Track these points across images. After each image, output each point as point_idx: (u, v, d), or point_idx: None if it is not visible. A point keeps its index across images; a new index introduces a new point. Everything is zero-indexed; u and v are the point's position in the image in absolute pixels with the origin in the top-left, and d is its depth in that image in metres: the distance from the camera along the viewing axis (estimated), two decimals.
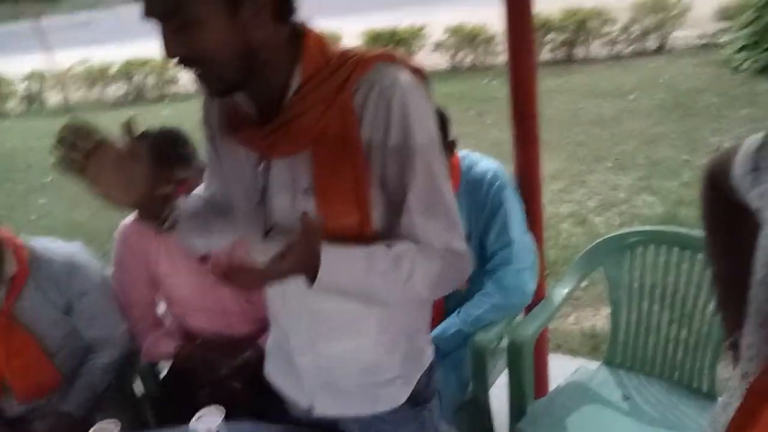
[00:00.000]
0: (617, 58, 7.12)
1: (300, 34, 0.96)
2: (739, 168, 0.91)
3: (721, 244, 1.06)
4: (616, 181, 4.04)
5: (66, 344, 1.61)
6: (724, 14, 6.83)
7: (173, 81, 8.09)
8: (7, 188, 5.44)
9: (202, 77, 0.90)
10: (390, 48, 1.01)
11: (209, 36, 0.86)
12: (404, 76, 0.94)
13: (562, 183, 4.11)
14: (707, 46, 6.76)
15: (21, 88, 8.57)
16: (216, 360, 1.60)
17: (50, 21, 13.05)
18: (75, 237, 1.58)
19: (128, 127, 0.93)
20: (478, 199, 1.69)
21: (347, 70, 0.94)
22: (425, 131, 0.95)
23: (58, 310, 1.58)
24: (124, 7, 19.03)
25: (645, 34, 7.08)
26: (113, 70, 8.26)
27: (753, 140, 0.89)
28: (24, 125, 7.80)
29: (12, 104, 8.62)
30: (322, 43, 0.97)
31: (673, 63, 6.50)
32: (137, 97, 8.25)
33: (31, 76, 8.50)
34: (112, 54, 8.75)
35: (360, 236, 0.96)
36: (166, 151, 1.51)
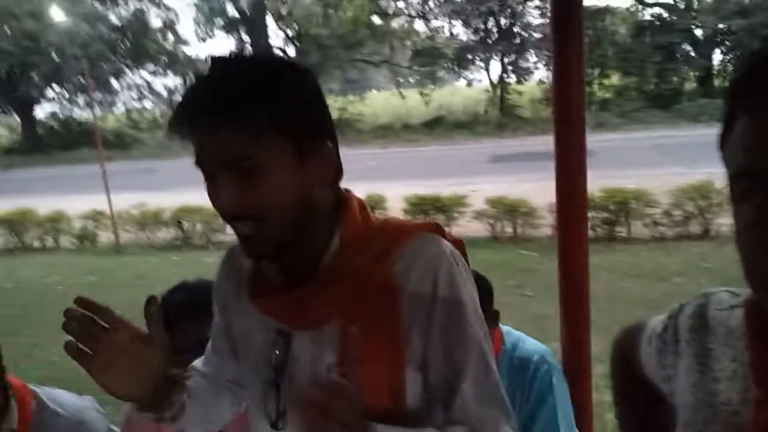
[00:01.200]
0: (660, 239, 7.08)
1: (342, 199, 0.92)
2: (645, 348, 0.90)
3: (635, 418, 1.01)
4: None
5: None
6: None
7: (220, 230, 8.35)
8: (40, 326, 5.43)
9: (252, 235, 0.83)
10: (430, 220, 0.98)
11: (273, 188, 0.81)
12: (448, 247, 0.89)
13: (607, 367, 3.87)
14: None
15: (77, 226, 8.96)
16: None
17: (116, 166, 13.99)
18: (95, 384, 1.49)
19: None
20: (522, 383, 1.57)
21: (388, 238, 0.89)
22: (475, 305, 0.89)
23: None
24: (186, 159, 20.42)
25: (687, 218, 7.09)
26: (165, 215, 8.61)
27: (657, 322, 0.87)
28: (71, 261, 8.03)
29: (65, 241, 8.96)
30: (363, 209, 0.93)
31: (718, 249, 6.40)
32: (185, 243, 8.49)
33: (89, 216, 8.93)
34: (168, 200, 9.19)
35: (390, 421, 0.86)
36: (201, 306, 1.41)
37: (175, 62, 28.54)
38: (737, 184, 0.56)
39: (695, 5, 19.58)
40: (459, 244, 0.94)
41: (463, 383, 0.87)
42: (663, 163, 10.47)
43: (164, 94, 29.86)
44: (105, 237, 8.89)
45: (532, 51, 20.75)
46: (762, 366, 0.63)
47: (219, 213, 0.85)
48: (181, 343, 1.38)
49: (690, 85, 20.19)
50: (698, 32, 19.61)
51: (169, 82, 29.46)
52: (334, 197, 0.91)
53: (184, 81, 28.86)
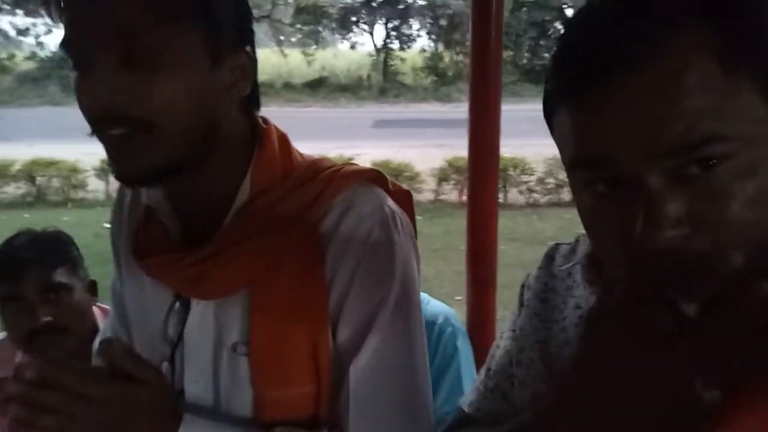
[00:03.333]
0: (534, 205, 7.43)
1: (258, 130, 0.74)
2: None
3: None
4: None
5: None
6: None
7: (81, 186, 7.60)
8: None
9: (132, 144, 0.63)
10: (370, 167, 0.78)
11: (173, 82, 0.62)
12: (388, 204, 0.74)
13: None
14: None
15: None
16: None
17: None
18: None
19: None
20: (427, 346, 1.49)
21: (317, 187, 0.72)
22: (405, 281, 0.72)
23: None
24: (37, 107, 18.50)
25: (559, 186, 7.49)
26: (15, 168, 7.69)
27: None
28: None
29: None
30: (285, 145, 0.75)
31: None
32: (38, 199, 7.65)
33: None
34: (18, 152, 8.21)
35: (312, 409, 0.72)
36: (46, 253, 1.26)
37: (25, 1, 25.57)
38: (574, 173, 0.51)
39: None
40: (405, 195, 0.79)
41: (352, 376, 0.71)
42: (535, 134, 10.98)
43: (12, 33, 26.72)
44: None
45: (416, 18, 20.87)
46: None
47: (87, 116, 0.63)
48: (26, 292, 1.21)
49: None
50: (569, 12, 20.76)
51: (18, 22, 26.40)
52: (248, 125, 0.73)
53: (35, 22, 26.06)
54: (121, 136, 0.64)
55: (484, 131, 1.61)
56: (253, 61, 0.70)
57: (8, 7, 25.61)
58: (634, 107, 0.45)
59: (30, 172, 7.64)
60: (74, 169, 7.62)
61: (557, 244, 0.73)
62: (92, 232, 4.80)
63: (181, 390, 0.75)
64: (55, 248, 1.29)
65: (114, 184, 5.17)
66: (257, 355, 0.70)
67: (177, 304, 0.75)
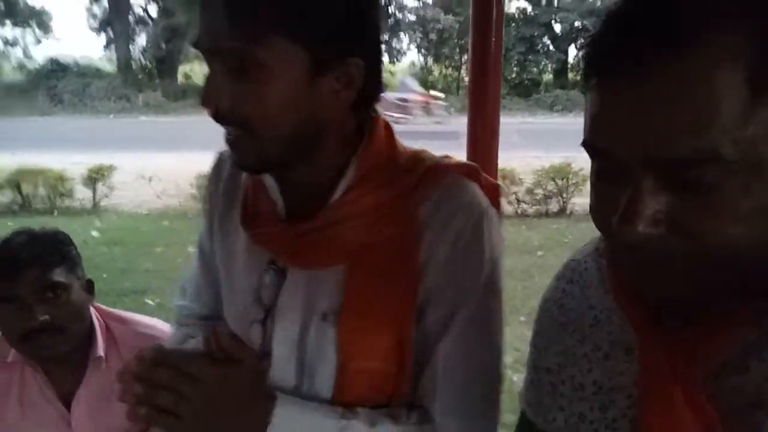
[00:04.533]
0: (523, 216, 7.46)
1: (368, 124, 0.79)
2: None
3: None
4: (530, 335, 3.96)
5: None
6: None
7: (67, 194, 7.53)
8: None
9: (240, 142, 0.71)
10: (467, 162, 0.83)
11: (274, 92, 0.67)
12: (483, 200, 0.78)
13: None
14: None
15: None
16: None
17: None
18: None
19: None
20: None
21: (417, 177, 0.77)
22: (494, 274, 0.77)
23: None
24: (24, 117, 18.38)
25: (547, 197, 7.52)
26: (1, 177, 7.61)
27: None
28: None
29: None
30: (390, 137, 0.80)
31: (574, 225, 6.87)
32: (23, 208, 7.57)
33: None
34: (2, 161, 8.14)
35: (392, 388, 0.76)
36: (44, 252, 1.23)
37: (14, 12, 25.49)
38: (592, 159, 0.52)
39: (556, 2, 20.92)
40: (494, 189, 0.82)
41: (439, 359, 0.76)
42: (523, 147, 11.06)
43: (0, 46, 26.60)
44: None
45: (405, 32, 21.04)
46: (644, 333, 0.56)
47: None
48: (23, 291, 1.18)
49: (547, 77, 21.64)
50: (557, 27, 21.01)
51: (7, 33, 26.28)
52: (356, 120, 0.78)
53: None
54: (231, 133, 0.71)
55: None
56: (367, 66, 0.72)
57: None
58: (644, 105, 0.45)
59: (16, 180, 7.56)
60: (61, 178, 7.54)
61: (578, 250, 0.73)
62: (81, 239, 4.74)
63: (270, 351, 0.79)
64: (54, 247, 1.26)
65: (100, 192, 5.11)
66: (345, 326, 0.74)
67: (272, 271, 0.80)
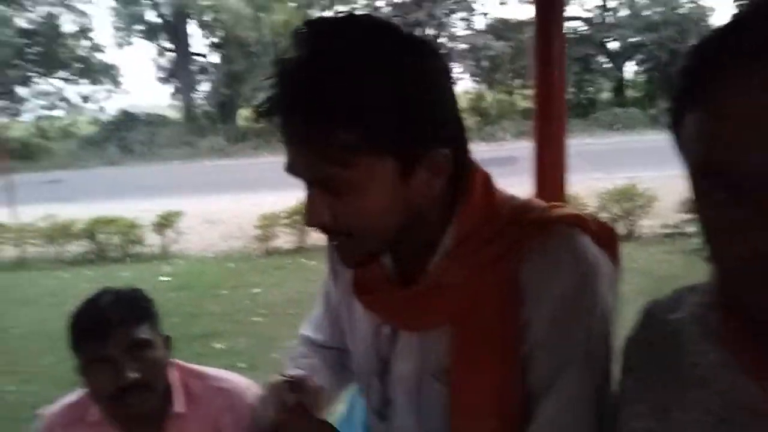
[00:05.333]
0: None
1: (463, 182, 0.77)
2: None
3: None
4: None
5: None
6: (688, 206, 7.11)
7: (138, 241, 7.85)
8: None
9: (344, 246, 0.76)
10: (572, 212, 0.79)
11: (368, 205, 0.70)
12: (590, 252, 0.74)
13: None
14: (672, 236, 6.92)
15: None
16: None
17: (22, 177, 13.06)
18: None
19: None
20: None
21: (518, 233, 0.75)
22: (601, 333, 0.74)
23: None
24: (97, 169, 19.43)
25: (613, 220, 7.27)
26: (77, 227, 8.02)
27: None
28: None
29: None
30: (488, 193, 0.79)
31: (642, 249, 6.59)
32: (99, 256, 7.93)
33: None
34: (79, 212, 8.57)
35: None
36: (130, 310, 1.26)
37: (89, 69, 27.22)
38: (697, 182, 0.50)
39: (610, 20, 20.57)
40: (608, 234, 0.78)
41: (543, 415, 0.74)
42: (584, 169, 10.79)
43: (78, 101, 28.41)
44: (8, 252, 8.15)
45: (458, 61, 21.12)
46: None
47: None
48: (113, 350, 1.20)
49: (603, 96, 21.18)
50: (612, 45, 20.61)
51: (84, 90, 28.06)
52: (452, 191, 0.77)
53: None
54: (334, 240, 0.77)
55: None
56: (454, 150, 0.73)
57: (75, 77, 27.37)
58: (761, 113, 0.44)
59: (91, 230, 7.95)
60: (132, 226, 7.88)
61: (654, 300, 0.70)
62: (150, 285, 4.90)
63: (389, 400, 0.85)
64: (137, 305, 1.29)
65: (168, 237, 5.28)
66: (456, 386, 0.76)
67: (387, 329, 0.84)
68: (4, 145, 10.35)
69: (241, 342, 4.51)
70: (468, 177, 0.78)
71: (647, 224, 7.33)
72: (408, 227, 0.75)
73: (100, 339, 1.20)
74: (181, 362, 1.39)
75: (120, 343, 1.20)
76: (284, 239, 7.50)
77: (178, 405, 1.31)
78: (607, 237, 0.77)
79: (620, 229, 7.30)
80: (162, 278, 6.46)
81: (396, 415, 0.84)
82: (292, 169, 0.71)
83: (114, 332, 1.21)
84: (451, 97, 0.74)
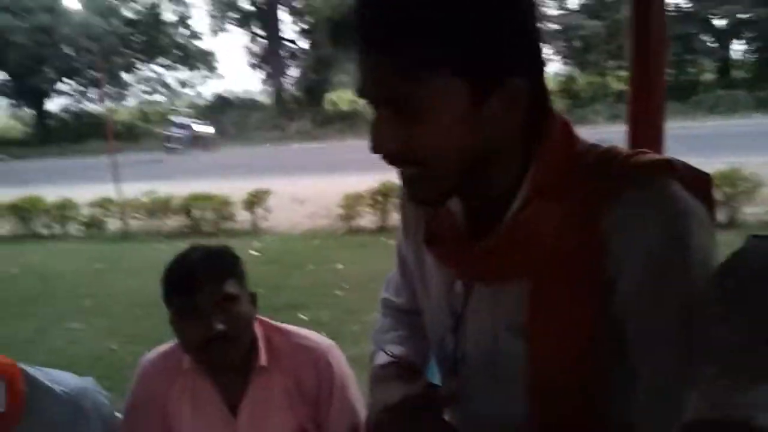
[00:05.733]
0: None
1: (541, 123, 0.73)
2: None
3: None
4: None
5: None
6: None
7: (230, 217, 8.22)
8: (45, 312, 5.29)
9: (413, 180, 0.72)
10: (663, 157, 0.73)
11: (439, 130, 0.67)
12: (683, 200, 0.67)
13: None
14: None
15: (85, 213, 8.86)
16: None
17: (126, 157, 13.95)
18: (98, 368, 1.35)
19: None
20: None
21: (600, 184, 0.69)
22: (697, 287, 0.66)
23: None
24: (194, 150, 20.41)
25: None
26: (175, 203, 8.50)
27: None
28: (80, 248, 7.93)
29: (73, 228, 8.87)
30: (569, 137, 0.74)
31: (744, 236, 6.17)
32: (193, 230, 8.38)
33: (96, 203, 8.82)
34: (176, 189, 9.09)
35: (577, 399, 0.73)
36: (218, 266, 1.32)
37: (187, 56, 28.59)
38: None
39: None
40: (702, 181, 0.71)
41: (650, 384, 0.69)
42: (681, 153, 10.18)
43: (177, 87, 29.95)
44: (114, 225, 8.78)
45: (548, 43, 20.48)
46: None
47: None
48: (201, 302, 1.26)
49: (707, 76, 19.86)
50: (717, 22, 19.23)
51: (182, 76, 29.55)
52: (528, 132, 0.73)
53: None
54: (403, 173, 0.73)
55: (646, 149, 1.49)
56: (533, 81, 0.69)
57: (174, 64, 28.86)
58: None
59: (187, 206, 8.41)
60: (225, 203, 8.26)
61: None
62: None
63: (462, 357, 0.82)
64: (225, 261, 1.33)
65: (258, 215, 5.49)
66: (534, 340, 0.73)
67: (459, 284, 0.80)
68: (111, 128, 11.06)
69: (324, 314, 4.63)
70: (546, 119, 0.73)
71: (751, 211, 6.85)
72: (480, 168, 0.71)
73: (189, 292, 1.26)
74: (265, 319, 1.44)
75: (208, 297, 1.26)
76: (367, 219, 7.62)
77: (262, 359, 1.36)
78: (701, 183, 0.70)
79: (721, 215, 6.87)
80: (252, 252, 6.74)
81: (469, 372, 0.81)
82: (364, 88, 0.69)
83: (202, 286, 1.26)
84: (534, 27, 0.70)
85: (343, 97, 26.72)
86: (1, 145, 25.42)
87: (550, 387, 0.73)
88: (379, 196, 7.36)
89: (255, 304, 1.39)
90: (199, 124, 21.17)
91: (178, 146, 19.47)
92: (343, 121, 22.72)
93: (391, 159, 0.70)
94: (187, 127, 20.48)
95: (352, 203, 7.61)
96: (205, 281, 1.27)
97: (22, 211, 8.86)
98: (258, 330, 1.39)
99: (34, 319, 5.04)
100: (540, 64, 0.72)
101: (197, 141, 19.94)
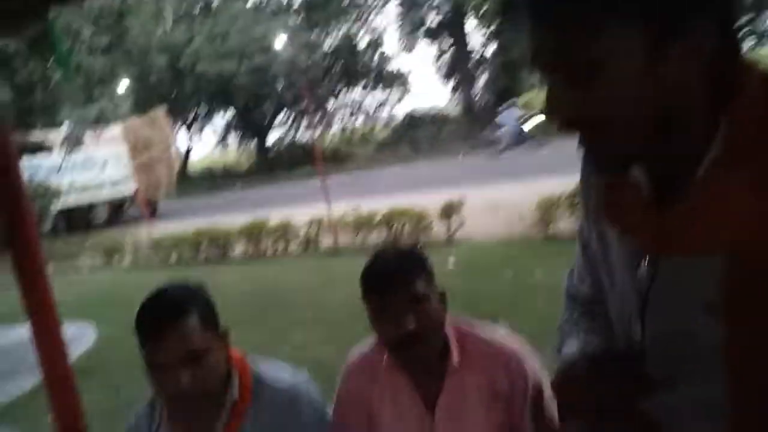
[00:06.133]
0: None
1: (732, 72, 0.67)
2: None
3: None
4: None
5: None
6: None
7: (427, 229, 8.51)
8: (273, 322, 5.99)
9: (594, 145, 0.69)
10: None
11: (621, 88, 0.64)
12: None
13: None
14: None
15: (301, 233, 9.82)
16: None
17: (333, 179, 15.15)
18: (320, 371, 1.54)
19: None
20: None
21: None
22: None
23: None
24: (391, 167, 21.42)
25: None
26: (377, 218, 9.04)
27: None
28: (299, 265, 8.82)
29: (293, 247, 9.88)
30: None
31: None
32: (394, 243, 8.81)
33: (310, 223, 9.73)
34: (377, 206, 9.65)
35: None
36: (409, 266, 1.39)
37: (381, 78, 30.21)
38: None
39: None
40: None
41: None
42: None
43: (372, 109, 31.78)
44: (326, 242, 9.60)
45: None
46: None
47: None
48: (394, 302, 1.34)
49: None
50: None
51: (377, 97, 31.29)
52: (717, 86, 0.67)
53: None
54: (583, 138, 0.70)
55: None
56: (712, 35, 0.63)
57: (369, 88, 30.73)
58: None
59: (387, 220, 8.88)
60: (421, 215, 8.57)
61: None
62: (438, 270, 5.29)
63: (650, 341, 0.76)
64: (415, 262, 1.39)
65: (453, 225, 5.60)
66: (732, 317, 0.65)
67: (646, 260, 0.74)
68: (320, 154, 12.15)
69: (521, 323, 4.59)
70: (738, 67, 0.66)
71: None
72: (664, 128, 0.66)
73: (382, 291, 1.35)
74: (456, 318, 1.49)
75: (399, 296, 1.33)
76: (565, 224, 7.35)
77: (455, 359, 1.41)
78: None
79: None
80: (449, 260, 6.90)
81: (658, 357, 0.74)
82: (539, 56, 0.66)
83: (393, 286, 1.34)
84: None
85: (536, 97, 26.03)
86: (233, 176, 29.29)
87: (751, 370, 0.65)
88: (577, 199, 7.06)
89: (445, 304, 1.43)
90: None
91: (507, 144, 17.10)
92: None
93: (570, 123, 0.67)
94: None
95: (547, 208, 7.42)
96: (395, 282, 1.34)
97: (251, 234, 10.12)
98: (450, 331, 1.44)
99: (264, 329, 5.73)
100: (728, 9, 0.66)
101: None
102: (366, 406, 1.51)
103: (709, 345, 0.67)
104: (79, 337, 6.55)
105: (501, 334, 1.49)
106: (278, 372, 1.54)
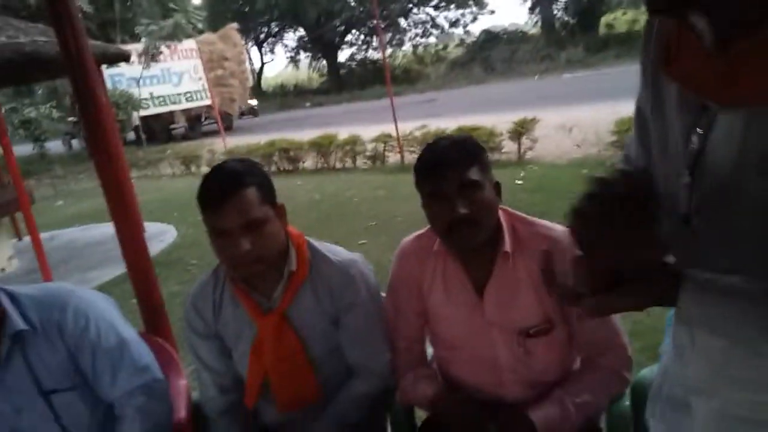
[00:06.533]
0: None
1: None
2: None
3: None
4: None
5: (330, 360, 1.55)
6: None
7: (497, 148, 8.35)
8: (340, 230, 6.16)
9: None
10: None
11: None
12: None
13: None
14: None
15: (369, 148, 9.88)
16: (479, 424, 1.37)
17: (403, 98, 15.00)
18: (382, 274, 1.60)
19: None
20: None
21: None
22: None
23: (328, 320, 1.55)
24: (464, 88, 20.89)
25: None
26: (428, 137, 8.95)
27: None
28: (366, 178, 8.92)
29: (360, 161, 9.98)
30: None
31: None
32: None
33: (377, 139, 9.75)
34: (447, 124, 9.51)
35: None
36: (463, 154, 1.38)
37: None
38: None
39: None
40: None
41: None
42: None
43: (447, 27, 30.72)
44: (393, 158, 9.63)
45: None
46: None
47: None
48: (447, 187, 1.36)
49: None
50: None
51: (452, 15, 30.16)
52: None
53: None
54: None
55: None
56: None
57: (444, 4, 29.60)
58: None
59: None
60: (491, 134, 8.39)
61: None
62: (506, 187, 5.23)
63: (699, 203, 0.71)
64: (469, 149, 1.39)
65: (524, 145, 5.48)
66: None
67: (703, 114, 0.68)
68: (389, 73, 11.96)
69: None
70: None
71: None
72: None
73: (435, 177, 1.37)
74: (510, 209, 1.50)
75: (452, 182, 1.34)
76: None
77: (507, 244, 1.43)
78: None
79: None
80: (517, 182, 6.80)
81: (705, 220, 0.69)
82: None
83: (447, 172, 1.35)
84: None
85: (621, 18, 24.40)
86: (304, 94, 29.45)
87: None
88: None
89: (499, 194, 1.44)
90: None
91: None
92: (621, 45, 20.84)
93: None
94: None
95: (625, 129, 7.08)
96: (449, 167, 1.35)
97: (321, 147, 10.27)
98: (503, 218, 1.45)
99: (331, 236, 5.90)
100: None
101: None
102: (417, 287, 1.54)
103: (760, 209, 0.62)
104: (159, 235, 7.03)
105: (554, 224, 1.48)
106: (334, 248, 1.62)
